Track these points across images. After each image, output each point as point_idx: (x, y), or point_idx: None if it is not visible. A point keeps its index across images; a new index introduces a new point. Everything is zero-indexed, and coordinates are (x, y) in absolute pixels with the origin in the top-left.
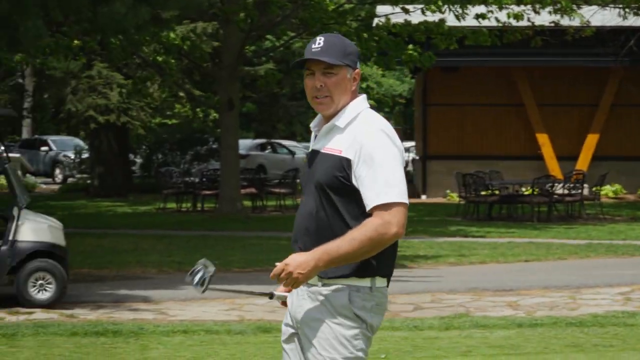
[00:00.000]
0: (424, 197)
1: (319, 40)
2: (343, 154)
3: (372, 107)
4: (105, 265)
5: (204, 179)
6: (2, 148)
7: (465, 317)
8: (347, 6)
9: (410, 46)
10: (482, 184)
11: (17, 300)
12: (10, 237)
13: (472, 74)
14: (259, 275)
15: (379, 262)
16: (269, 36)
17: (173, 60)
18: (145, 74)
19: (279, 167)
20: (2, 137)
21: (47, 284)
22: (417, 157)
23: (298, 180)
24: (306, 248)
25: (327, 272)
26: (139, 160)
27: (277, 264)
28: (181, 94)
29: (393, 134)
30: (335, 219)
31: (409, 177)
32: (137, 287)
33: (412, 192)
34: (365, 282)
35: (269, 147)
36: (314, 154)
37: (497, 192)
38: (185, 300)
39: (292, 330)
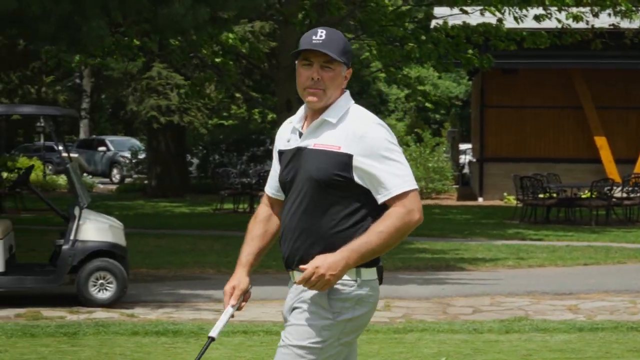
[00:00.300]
0: (480, 199)
1: (321, 33)
2: (342, 150)
3: (428, 109)
4: (163, 265)
5: (261, 180)
6: (63, 148)
7: (524, 320)
8: (404, 8)
9: (470, 49)
10: (539, 186)
11: (78, 299)
12: (72, 237)
13: (530, 76)
14: None
15: None
16: None
17: (231, 62)
18: (203, 75)
19: None
20: (62, 137)
21: (108, 283)
22: (474, 160)
23: None
24: (295, 247)
25: None
26: (195, 161)
27: (303, 266)
28: (237, 95)
29: (386, 125)
30: (328, 216)
31: (466, 180)
32: (196, 287)
33: (469, 195)
34: (351, 275)
35: None
36: (298, 151)
37: (554, 195)
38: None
39: None
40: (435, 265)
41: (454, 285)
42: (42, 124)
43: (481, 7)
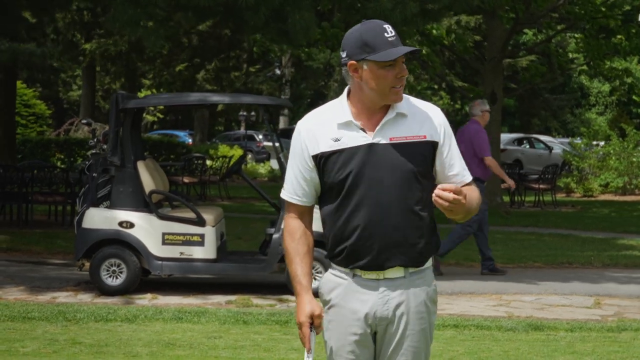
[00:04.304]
0: None
1: (389, 29)
2: (429, 139)
3: (631, 103)
4: None
5: None
6: (275, 137)
7: None
8: None
9: None
10: None
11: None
12: (283, 226)
13: None
14: (523, 271)
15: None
16: (526, 30)
17: (435, 56)
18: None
19: (536, 162)
20: (275, 127)
21: (317, 273)
22: None
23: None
24: (398, 242)
25: (424, 257)
26: None
27: (449, 186)
28: (435, 86)
29: None
30: (420, 206)
31: None
32: None
33: None
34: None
35: (526, 141)
36: (373, 147)
37: None
38: (452, 294)
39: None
40: None
41: None
42: (244, 114)
43: None
